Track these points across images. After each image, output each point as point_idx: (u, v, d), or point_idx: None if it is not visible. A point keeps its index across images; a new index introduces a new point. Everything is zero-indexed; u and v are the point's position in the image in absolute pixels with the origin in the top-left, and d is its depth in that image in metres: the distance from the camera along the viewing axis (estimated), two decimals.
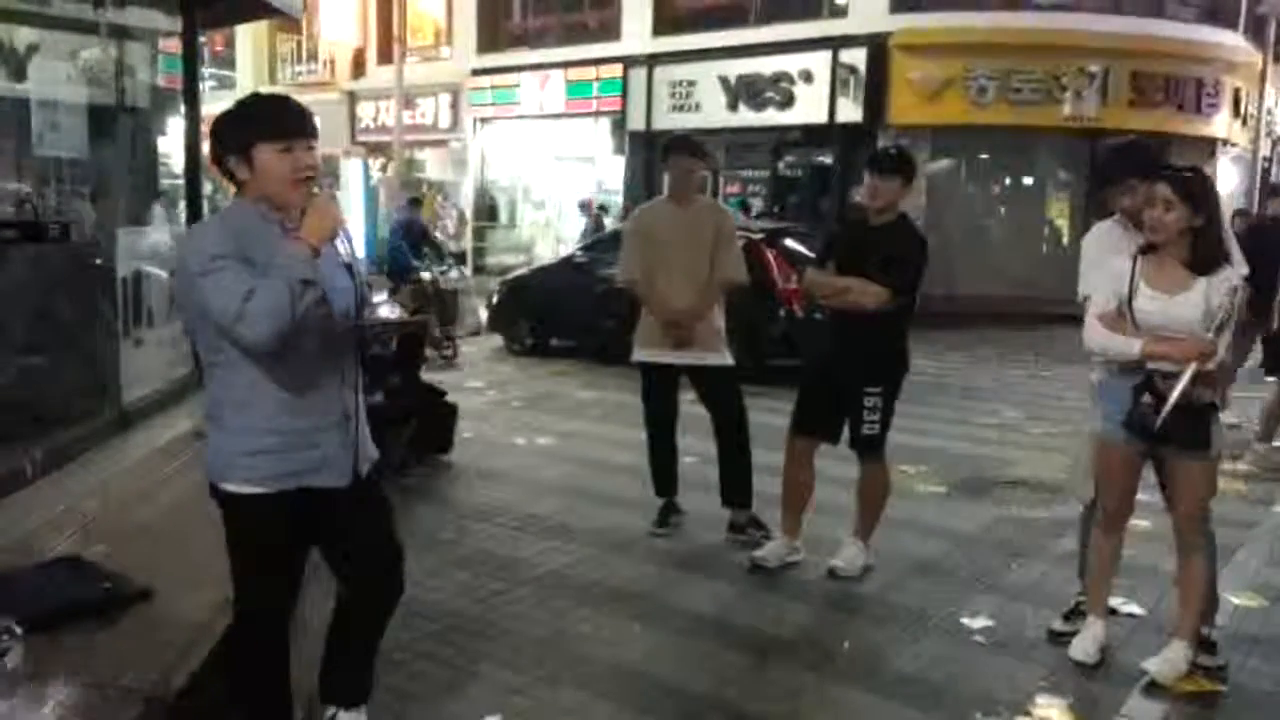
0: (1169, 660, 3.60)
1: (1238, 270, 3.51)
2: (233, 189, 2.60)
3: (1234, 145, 17.76)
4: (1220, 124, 16.66)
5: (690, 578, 4.67)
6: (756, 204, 17.11)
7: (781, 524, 4.85)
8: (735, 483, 5.17)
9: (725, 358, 5.14)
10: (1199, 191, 3.47)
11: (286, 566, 2.73)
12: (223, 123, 2.54)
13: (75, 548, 3.37)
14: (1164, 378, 3.45)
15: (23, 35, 4.75)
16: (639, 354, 5.25)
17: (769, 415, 5.33)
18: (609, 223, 16.19)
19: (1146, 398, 3.48)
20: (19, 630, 2.35)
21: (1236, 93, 17.02)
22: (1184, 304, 3.44)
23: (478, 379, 9.99)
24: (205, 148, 3.04)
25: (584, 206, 17.76)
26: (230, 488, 2.59)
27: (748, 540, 5.01)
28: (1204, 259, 3.45)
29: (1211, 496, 3.69)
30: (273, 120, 2.51)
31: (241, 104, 2.59)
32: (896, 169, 4.54)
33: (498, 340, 12.10)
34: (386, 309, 7.81)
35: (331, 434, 2.64)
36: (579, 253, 11.93)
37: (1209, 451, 3.54)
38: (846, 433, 4.68)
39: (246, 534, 2.65)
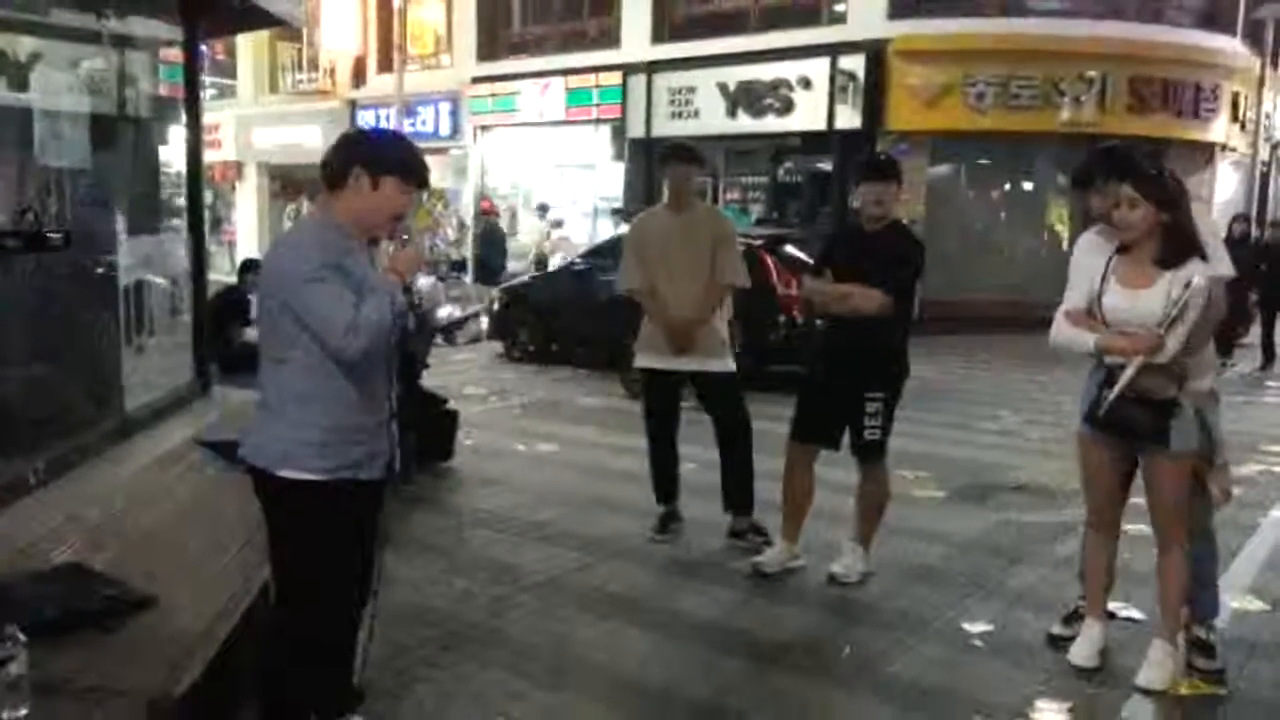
0: (1153, 663, 3.61)
1: (1213, 268, 3.50)
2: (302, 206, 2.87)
3: (1233, 150, 17.76)
4: (1219, 129, 16.67)
5: (691, 584, 4.68)
6: (756, 210, 17.10)
7: (781, 530, 4.86)
8: (736, 489, 5.18)
9: (728, 364, 5.15)
10: (1161, 188, 3.50)
11: (337, 564, 2.82)
12: (371, 139, 2.92)
13: (77, 555, 3.37)
14: (1122, 371, 3.50)
15: (25, 45, 4.76)
16: (641, 360, 5.26)
17: (770, 421, 5.33)
18: (504, 223, 15.53)
19: (1105, 392, 3.53)
20: (21, 638, 2.35)
21: (1235, 98, 17.03)
22: (1148, 299, 3.48)
23: (478, 386, 10.01)
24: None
25: (484, 212, 16.23)
26: (289, 474, 2.73)
27: (748, 546, 5.02)
28: (1171, 254, 3.48)
29: (1184, 497, 3.58)
30: (413, 164, 2.84)
31: (394, 137, 3.04)
32: (892, 173, 4.59)
33: (498, 347, 12.13)
34: (449, 308, 7.54)
35: (379, 430, 2.88)
36: (579, 260, 11.94)
37: (1170, 447, 3.52)
38: (846, 439, 4.70)
39: (298, 522, 2.77)
